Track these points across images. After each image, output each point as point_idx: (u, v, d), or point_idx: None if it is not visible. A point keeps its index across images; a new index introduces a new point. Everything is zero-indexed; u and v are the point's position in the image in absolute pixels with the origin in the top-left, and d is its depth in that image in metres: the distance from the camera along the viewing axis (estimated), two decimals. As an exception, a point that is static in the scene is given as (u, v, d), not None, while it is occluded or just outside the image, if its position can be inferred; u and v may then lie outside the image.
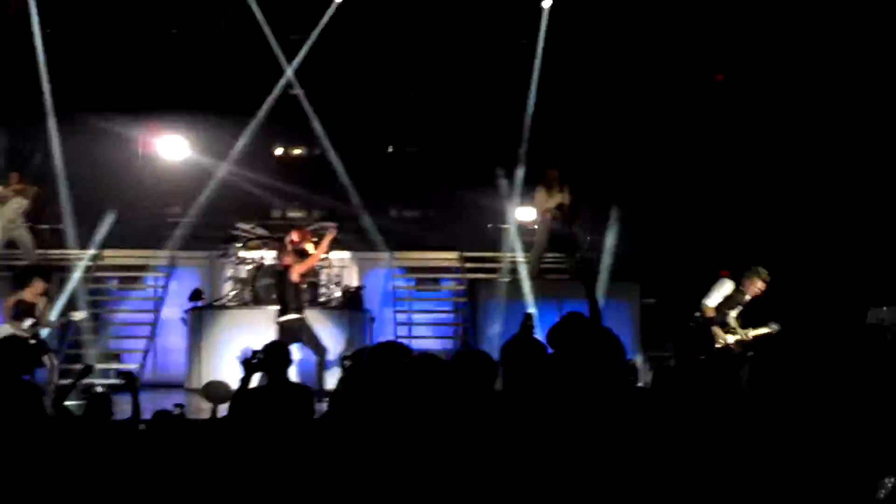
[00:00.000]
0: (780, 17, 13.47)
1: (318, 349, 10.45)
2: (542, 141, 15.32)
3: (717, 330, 9.40)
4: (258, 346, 5.91)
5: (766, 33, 13.68)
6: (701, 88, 14.81)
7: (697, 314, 9.61)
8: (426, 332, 13.44)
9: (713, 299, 9.51)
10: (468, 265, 14.16)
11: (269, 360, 5.69)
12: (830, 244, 13.18)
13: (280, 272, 10.71)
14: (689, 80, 14.70)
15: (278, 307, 10.52)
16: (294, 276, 10.33)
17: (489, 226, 14.29)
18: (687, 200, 14.24)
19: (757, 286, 9.50)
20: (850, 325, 11.29)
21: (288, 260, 10.55)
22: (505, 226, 14.27)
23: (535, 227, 13.64)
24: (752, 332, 9.41)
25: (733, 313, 9.57)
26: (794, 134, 13.72)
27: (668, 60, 14.59)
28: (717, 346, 9.38)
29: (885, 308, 10.61)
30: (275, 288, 11.18)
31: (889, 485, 3.69)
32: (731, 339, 9.39)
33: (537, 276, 13.15)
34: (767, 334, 9.41)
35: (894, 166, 12.73)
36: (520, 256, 13.83)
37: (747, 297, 9.54)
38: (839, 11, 12.96)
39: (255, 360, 5.67)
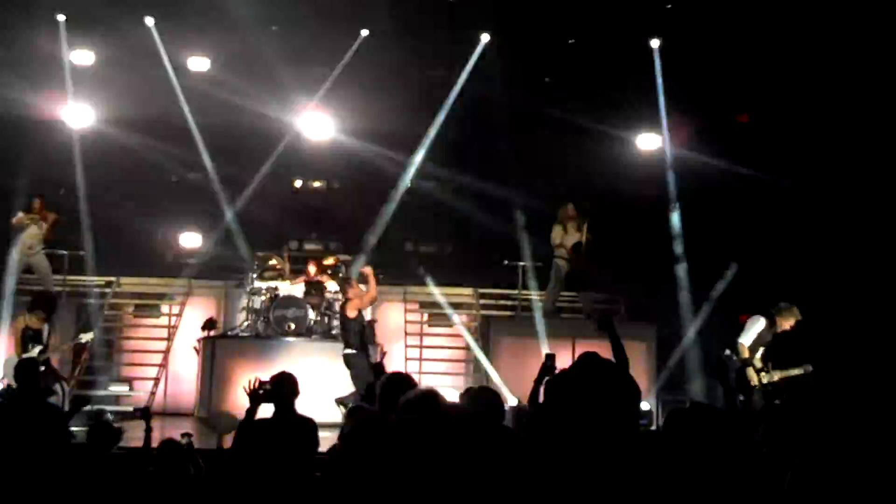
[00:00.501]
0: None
1: (357, 388, 10.27)
2: (559, 176, 15.37)
3: (751, 372, 9.19)
4: (267, 377, 5.90)
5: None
6: (721, 127, 14.80)
7: (728, 353, 9.35)
8: (437, 368, 13.40)
9: (748, 338, 9.32)
10: (482, 301, 14.13)
11: (277, 391, 5.67)
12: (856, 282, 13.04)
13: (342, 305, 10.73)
14: (710, 119, 14.69)
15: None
16: (348, 311, 10.41)
17: (504, 262, 14.24)
18: (704, 243, 14.18)
19: (789, 323, 9.31)
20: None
21: (349, 293, 10.55)
22: (520, 262, 14.25)
23: (552, 264, 13.62)
24: (779, 374, 9.16)
25: (758, 354, 9.39)
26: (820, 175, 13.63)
27: (689, 100, 14.60)
28: (751, 385, 9.16)
29: None
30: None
31: None
32: (764, 379, 9.15)
33: (552, 314, 13.12)
34: (798, 376, 9.08)
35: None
36: (534, 294, 13.81)
37: (775, 336, 9.32)
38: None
39: (261, 391, 5.64)
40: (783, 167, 13.81)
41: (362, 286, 11.10)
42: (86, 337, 10.82)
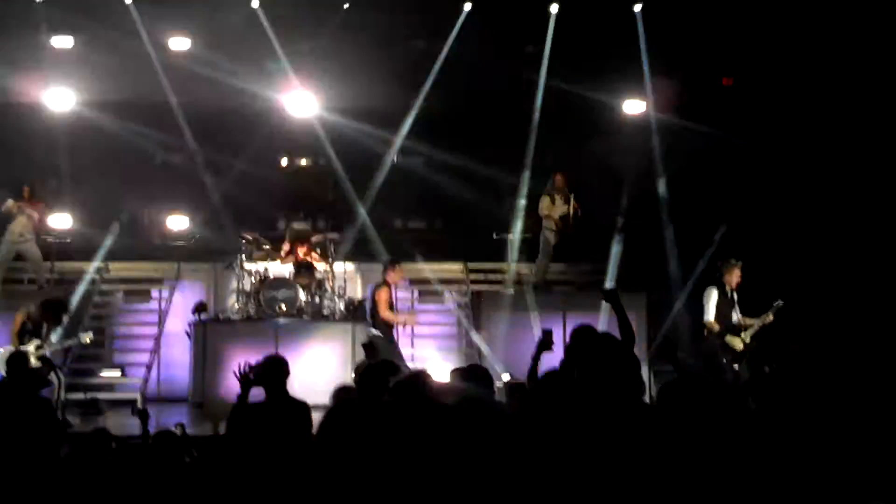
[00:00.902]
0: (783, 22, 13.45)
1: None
2: (547, 149, 15.34)
3: (731, 339, 9.73)
4: (260, 359, 5.87)
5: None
6: (708, 93, 14.77)
7: (706, 333, 9.88)
8: (429, 345, 13.41)
9: (710, 312, 9.84)
10: (472, 276, 14.12)
11: (266, 374, 5.65)
12: (841, 250, 13.10)
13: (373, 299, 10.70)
14: (696, 85, 14.66)
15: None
16: (382, 312, 10.37)
17: (494, 236, 14.23)
18: (691, 209, 14.18)
19: (736, 277, 9.91)
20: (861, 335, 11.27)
21: (381, 296, 10.50)
22: (509, 235, 14.22)
23: (540, 236, 13.62)
24: (770, 315, 9.79)
25: (735, 314, 9.87)
26: (805, 137, 13.64)
27: (673, 65, 14.56)
28: (738, 350, 9.72)
29: None
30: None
31: None
32: (747, 338, 9.71)
33: (542, 286, 13.13)
34: (776, 310, 9.76)
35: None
36: (524, 267, 13.80)
37: (734, 292, 9.92)
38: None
39: (251, 375, 5.61)
40: (768, 130, 13.83)
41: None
42: (86, 338, 10.80)
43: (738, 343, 9.74)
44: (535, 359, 5.60)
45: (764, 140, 13.82)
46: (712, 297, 9.90)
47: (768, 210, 13.63)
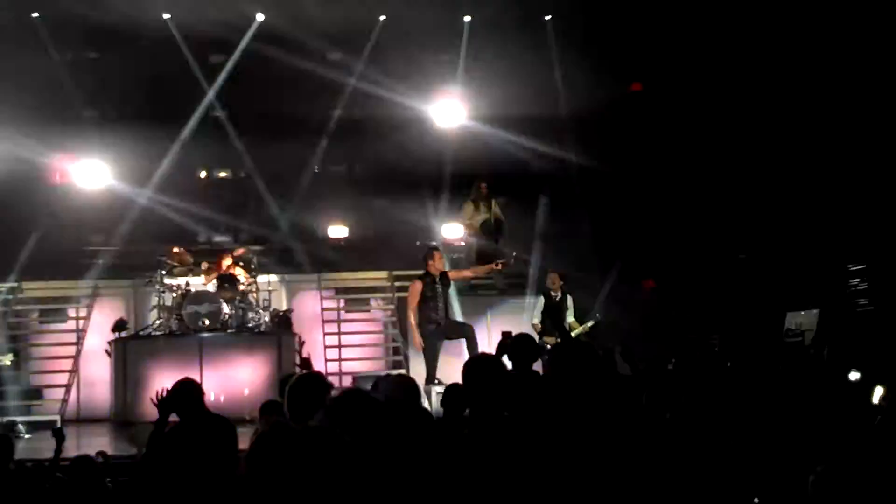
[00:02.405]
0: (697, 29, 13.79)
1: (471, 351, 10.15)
2: (468, 157, 15.45)
3: (546, 339, 10.79)
4: (183, 375, 5.78)
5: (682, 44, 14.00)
6: (619, 99, 15.04)
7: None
8: (356, 354, 13.37)
9: (536, 315, 11.44)
10: (397, 284, 14.11)
11: (178, 399, 5.54)
12: (746, 248, 13.52)
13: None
14: (606, 90, 14.91)
15: None
16: (409, 305, 10.66)
17: (417, 243, 14.25)
18: (608, 208, 14.46)
19: (557, 284, 11.46)
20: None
21: (412, 288, 10.65)
22: (433, 243, 14.26)
23: (463, 243, 13.70)
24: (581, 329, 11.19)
25: (569, 317, 11.31)
26: (713, 140, 14.01)
27: (586, 71, 14.79)
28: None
29: (802, 313, 10.94)
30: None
31: None
32: (549, 341, 10.61)
33: (466, 292, 13.18)
34: (593, 326, 11.15)
35: (808, 168, 13.11)
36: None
37: (558, 296, 11.40)
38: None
39: (168, 399, 5.51)
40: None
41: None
42: (5, 359, 10.51)
43: (550, 341, 10.57)
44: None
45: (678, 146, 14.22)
46: (538, 303, 11.50)
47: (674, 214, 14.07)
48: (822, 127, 12.99)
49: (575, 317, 11.50)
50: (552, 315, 11.18)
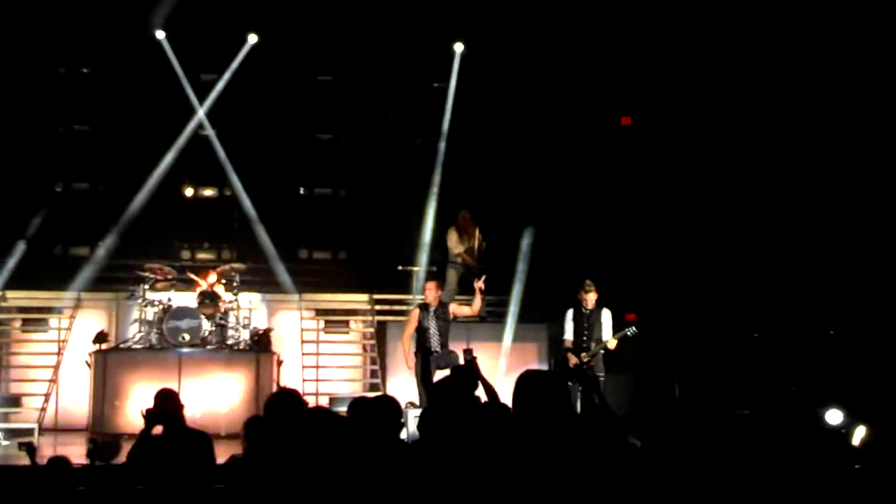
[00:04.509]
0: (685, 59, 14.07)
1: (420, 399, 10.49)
2: (452, 182, 15.70)
3: (570, 356, 10.51)
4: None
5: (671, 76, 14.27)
6: (607, 132, 15.30)
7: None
8: (334, 375, 13.50)
9: (567, 332, 10.78)
10: (377, 307, 14.28)
11: (161, 408, 5.69)
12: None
13: None
14: (596, 123, 15.17)
15: None
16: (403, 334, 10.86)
17: (399, 268, 14.44)
18: (597, 240, 14.65)
19: (587, 297, 10.65)
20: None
21: (410, 315, 10.90)
22: (414, 268, 14.45)
23: (446, 269, 13.88)
24: (613, 340, 10.50)
25: (603, 333, 10.62)
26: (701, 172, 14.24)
27: (575, 103, 15.06)
28: (572, 365, 10.40)
29: None
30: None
31: None
32: (585, 357, 10.43)
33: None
34: (625, 335, 10.49)
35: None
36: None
37: (591, 312, 10.67)
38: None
39: (153, 413, 5.66)
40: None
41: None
42: None
43: (572, 359, 10.41)
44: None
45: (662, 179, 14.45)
46: (569, 317, 10.77)
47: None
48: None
49: (613, 332, 10.70)
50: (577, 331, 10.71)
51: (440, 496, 3.89)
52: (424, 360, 10.48)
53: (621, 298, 13.83)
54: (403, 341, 10.71)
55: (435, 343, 10.56)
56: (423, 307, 10.75)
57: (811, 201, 13.14)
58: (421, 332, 10.59)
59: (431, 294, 10.77)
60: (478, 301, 10.85)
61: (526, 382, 4.12)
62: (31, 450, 6.33)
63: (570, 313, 10.75)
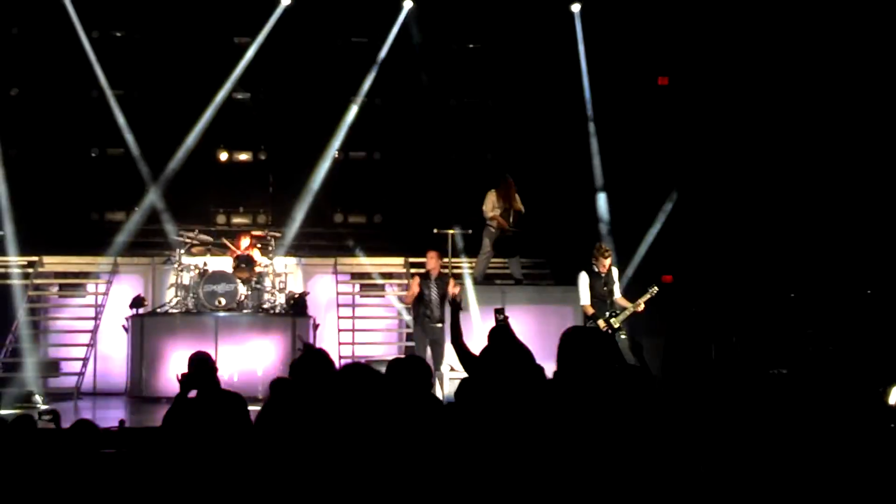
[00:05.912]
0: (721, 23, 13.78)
1: (435, 361, 10.59)
2: (487, 144, 15.53)
3: (600, 322, 10.19)
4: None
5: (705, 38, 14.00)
6: (645, 92, 15.04)
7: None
8: (370, 339, 13.46)
9: (584, 296, 10.44)
10: (413, 271, 14.17)
11: (194, 373, 5.65)
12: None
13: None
14: (634, 83, 14.90)
15: None
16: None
17: (434, 231, 14.32)
18: (632, 203, 14.46)
19: (607, 262, 10.41)
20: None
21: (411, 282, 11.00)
22: (450, 231, 14.32)
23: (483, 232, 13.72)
24: (641, 303, 10.19)
25: (616, 295, 10.46)
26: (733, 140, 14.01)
27: (612, 64, 14.81)
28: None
29: None
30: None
31: None
32: (615, 323, 10.16)
33: (482, 281, 13.23)
34: (651, 296, 10.15)
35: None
36: (465, 261, 13.89)
37: (606, 274, 10.40)
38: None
39: (188, 377, 5.63)
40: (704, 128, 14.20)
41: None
42: None
43: (602, 326, 10.14)
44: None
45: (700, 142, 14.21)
46: (583, 281, 10.44)
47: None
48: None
49: (621, 291, 10.68)
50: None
51: (474, 451, 3.79)
52: (419, 330, 10.78)
53: (656, 261, 13.75)
54: (405, 303, 10.91)
55: (435, 311, 10.77)
56: (424, 276, 10.98)
57: (850, 160, 12.91)
58: (420, 300, 10.78)
59: (432, 263, 10.99)
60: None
61: (571, 339, 3.96)
62: (56, 418, 6.33)
63: (584, 278, 10.47)
